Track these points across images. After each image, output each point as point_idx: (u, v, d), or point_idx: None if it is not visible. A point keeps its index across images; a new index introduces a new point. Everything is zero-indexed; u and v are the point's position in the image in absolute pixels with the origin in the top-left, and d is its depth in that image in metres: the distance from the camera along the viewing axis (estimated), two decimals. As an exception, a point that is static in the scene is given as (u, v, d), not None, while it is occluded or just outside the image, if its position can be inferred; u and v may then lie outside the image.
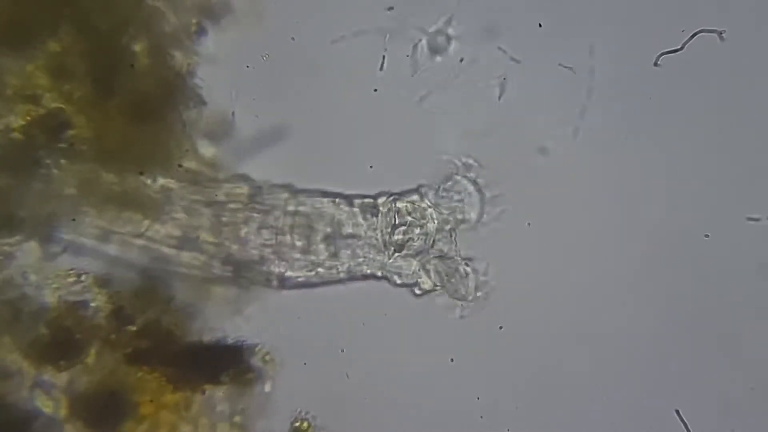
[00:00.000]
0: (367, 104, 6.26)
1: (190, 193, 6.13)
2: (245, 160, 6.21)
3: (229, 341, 6.17)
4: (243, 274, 6.17)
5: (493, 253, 6.26)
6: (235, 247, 6.16)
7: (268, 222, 6.19)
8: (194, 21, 6.16)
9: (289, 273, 6.21)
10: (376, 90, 6.25)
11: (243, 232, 6.17)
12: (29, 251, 6.01)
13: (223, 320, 6.16)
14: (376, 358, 6.24)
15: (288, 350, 6.18)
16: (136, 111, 6.01)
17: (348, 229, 6.24)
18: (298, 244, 6.20)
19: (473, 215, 6.24)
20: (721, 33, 6.17)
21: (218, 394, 6.14)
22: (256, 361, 6.18)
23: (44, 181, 5.97)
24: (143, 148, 6.04)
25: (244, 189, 6.20)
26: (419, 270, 6.24)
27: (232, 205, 6.18)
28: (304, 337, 6.20)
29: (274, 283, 6.21)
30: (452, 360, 6.23)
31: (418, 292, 6.24)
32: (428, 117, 6.26)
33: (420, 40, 6.20)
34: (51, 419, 5.99)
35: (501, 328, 6.24)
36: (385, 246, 6.21)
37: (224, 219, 6.16)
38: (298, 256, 6.20)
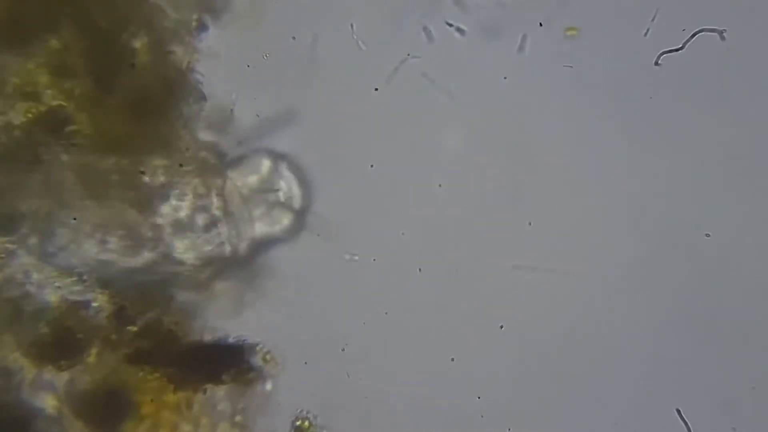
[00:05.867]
0: (368, 104, 6.26)
1: (191, 191, 6.12)
2: (246, 158, 6.21)
3: (230, 340, 6.16)
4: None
5: (494, 252, 6.27)
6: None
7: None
8: (194, 17, 6.15)
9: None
10: (377, 89, 6.25)
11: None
12: (31, 249, 5.99)
13: (223, 319, 6.16)
14: (376, 358, 6.24)
15: (289, 349, 6.18)
16: (137, 108, 6.00)
17: None
18: None
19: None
20: (722, 32, 6.18)
21: (219, 393, 6.14)
22: (256, 360, 6.18)
23: (45, 179, 5.95)
24: (144, 145, 6.02)
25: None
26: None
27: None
28: (305, 337, 6.20)
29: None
30: (453, 359, 6.23)
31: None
32: (429, 116, 6.28)
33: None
34: (51, 419, 5.98)
35: (501, 327, 6.24)
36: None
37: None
38: None
